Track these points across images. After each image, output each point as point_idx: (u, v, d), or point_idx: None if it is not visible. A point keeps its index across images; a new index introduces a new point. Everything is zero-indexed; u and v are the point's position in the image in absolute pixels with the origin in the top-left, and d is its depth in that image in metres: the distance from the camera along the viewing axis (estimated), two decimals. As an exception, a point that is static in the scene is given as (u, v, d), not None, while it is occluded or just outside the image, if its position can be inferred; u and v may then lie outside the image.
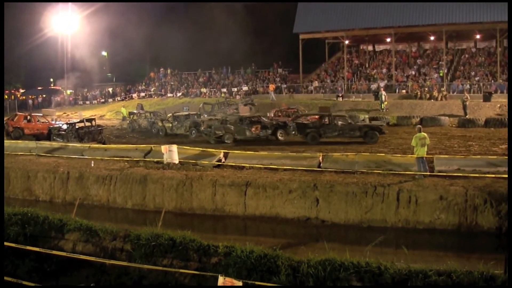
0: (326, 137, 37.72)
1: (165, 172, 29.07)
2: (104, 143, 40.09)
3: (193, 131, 45.17)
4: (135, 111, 58.17)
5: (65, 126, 43.90)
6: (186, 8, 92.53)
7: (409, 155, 28.75)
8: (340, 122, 37.95)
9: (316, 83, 72.25)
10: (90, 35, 79.59)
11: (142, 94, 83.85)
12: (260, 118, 43.14)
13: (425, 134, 26.02)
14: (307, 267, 15.48)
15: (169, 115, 50.64)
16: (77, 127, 42.80)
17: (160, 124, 48.98)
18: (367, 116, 47.31)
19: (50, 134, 43.89)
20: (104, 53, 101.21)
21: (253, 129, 40.34)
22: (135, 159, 32.71)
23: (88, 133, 42.08)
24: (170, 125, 47.72)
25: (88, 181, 30.21)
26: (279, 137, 40.54)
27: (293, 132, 39.38)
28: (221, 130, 41.30)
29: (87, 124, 43.68)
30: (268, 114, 48.36)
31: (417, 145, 25.49)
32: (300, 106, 53.26)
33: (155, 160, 31.71)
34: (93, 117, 52.78)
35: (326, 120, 38.38)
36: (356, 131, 37.16)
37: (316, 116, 40.88)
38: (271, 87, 69.40)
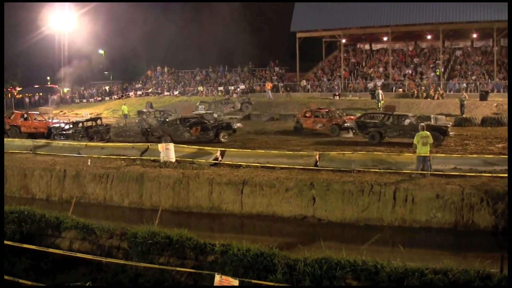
0: (387, 136, 37.02)
1: (162, 171, 29.04)
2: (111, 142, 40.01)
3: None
4: (144, 110, 56.91)
5: (67, 125, 43.80)
6: (183, 6, 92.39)
7: (406, 154, 28.88)
8: (402, 122, 37.02)
9: (303, 82, 72.66)
10: (87, 33, 79.67)
11: (139, 92, 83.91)
12: (202, 119, 42.62)
13: (428, 133, 26.10)
14: (304, 266, 15.48)
15: (172, 117, 46.11)
16: (85, 126, 42.59)
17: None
18: (432, 116, 46.01)
19: (50, 133, 43.80)
20: (101, 51, 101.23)
21: (193, 130, 39.90)
22: (132, 157, 32.73)
23: (97, 132, 41.91)
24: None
25: (85, 179, 30.14)
26: (222, 139, 39.67)
27: (354, 131, 39.13)
28: (158, 131, 41.15)
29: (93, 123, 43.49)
30: (297, 115, 47.24)
31: (419, 143, 25.55)
32: (331, 106, 51.21)
33: (152, 158, 31.70)
34: (99, 116, 52.23)
35: (389, 119, 37.56)
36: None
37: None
38: (268, 85, 69.41)
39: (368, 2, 68.21)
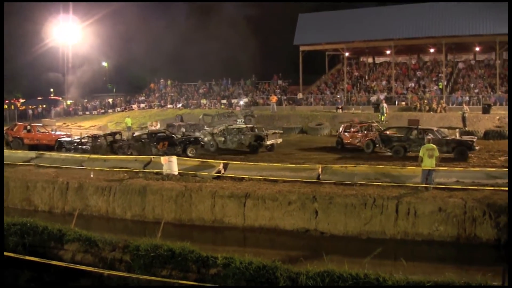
0: (412, 151, 35.95)
1: (165, 183, 29.04)
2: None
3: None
4: (174, 123, 54.82)
5: (82, 139, 43.53)
6: (187, 19, 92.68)
7: (409, 167, 28.87)
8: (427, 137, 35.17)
9: (300, 95, 72.81)
10: (90, 45, 79.94)
11: (142, 105, 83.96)
12: (170, 134, 42.49)
13: (434, 146, 26.04)
14: (306, 279, 15.51)
15: (220, 127, 44.63)
16: (108, 140, 42.02)
17: (208, 138, 43.15)
18: (457, 130, 45.79)
19: (61, 145, 43.48)
20: (105, 64, 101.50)
21: (160, 145, 39.56)
22: (134, 170, 32.76)
23: (121, 147, 41.05)
24: (223, 139, 42.69)
25: (88, 191, 30.19)
26: (189, 154, 39.30)
27: (378, 145, 38.06)
28: (125, 147, 40.61)
29: (110, 138, 42.79)
30: (340, 130, 44.68)
31: (425, 155, 25.50)
32: (374, 121, 49.41)
33: (155, 171, 31.70)
34: (118, 130, 51.56)
35: (414, 133, 36.85)
36: (444, 146, 34.77)
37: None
38: (273, 98, 69.34)
39: (372, 15, 68.61)
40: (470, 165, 31.71)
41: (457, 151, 34.48)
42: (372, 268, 15.90)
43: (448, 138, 36.45)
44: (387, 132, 38.55)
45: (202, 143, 41.82)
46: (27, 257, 18.51)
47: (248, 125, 45.11)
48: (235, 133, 42.50)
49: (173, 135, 41.74)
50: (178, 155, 35.92)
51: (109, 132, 47.86)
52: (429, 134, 34.73)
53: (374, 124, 44.40)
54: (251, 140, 41.09)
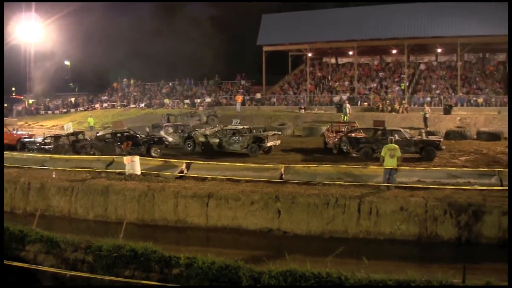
0: (380, 152, 33.47)
1: (127, 183, 28.93)
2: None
3: (189, 144, 42.01)
4: (160, 124, 51.29)
5: (44, 139, 42.96)
6: (150, 19, 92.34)
7: (371, 167, 29.09)
8: (395, 137, 34.59)
9: (258, 95, 73.10)
10: (53, 44, 79.17)
11: (105, 104, 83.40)
12: (134, 134, 41.75)
13: (396, 146, 26.36)
14: (269, 278, 15.59)
15: (215, 128, 42.74)
16: (71, 140, 41.11)
17: (201, 139, 40.91)
18: (422, 131, 46.13)
19: (24, 146, 43.05)
20: (67, 63, 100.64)
21: (124, 145, 39.06)
22: (97, 170, 32.55)
23: (83, 146, 40.22)
24: (218, 140, 40.18)
25: (50, 192, 29.95)
26: (153, 154, 38.76)
27: (345, 147, 36.66)
28: (88, 147, 39.84)
29: (72, 137, 41.85)
30: (325, 132, 43.51)
31: (386, 155, 25.84)
32: (355, 122, 47.41)
33: (117, 171, 31.52)
34: (82, 130, 50.64)
35: (380, 134, 35.99)
36: (412, 146, 34.94)
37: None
38: (239, 98, 69.38)
39: (335, 16, 68.99)
40: (432, 164, 32.03)
41: (425, 151, 34.63)
42: (335, 267, 16.01)
43: (415, 138, 36.57)
44: (353, 134, 37.97)
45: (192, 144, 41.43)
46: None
47: (245, 126, 43.15)
48: (232, 134, 40.66)
49: (137, 135, 41.25)
50: (142, 155, 35.93)
51: (72, 131, 47.32)
52: (395, 134, 34.92)
53: (356, 125, 43.55)
54: (250, 141, 38.97)
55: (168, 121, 54.75)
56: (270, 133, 41.11)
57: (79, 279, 17.83)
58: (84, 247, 19.10)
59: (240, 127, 43.06)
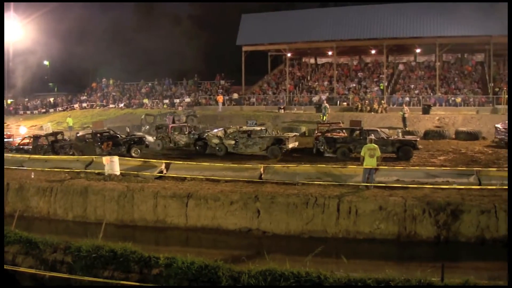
0: (357, 152, 34.72)
1: (107, 184, 28.84)
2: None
3: (199, 146, 41.30)
4: (165, 124, 49.18)
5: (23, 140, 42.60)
6: (130, 18, 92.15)
7: (350, 166, 29.19)
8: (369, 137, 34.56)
9: (235, 95, 73.18)
10: (31, 44, 78.66)
11: (84, 104, 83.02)
12: (114, 134, 41.57)
13: (375, 146, 26.50)
14: (248, 278, 15.62)
15: (230, 129, 40.73)
16: (50, 140, 40.90)
17: (215, 141, 39.71)
18: (399, 130, 46.07)
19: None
20: (46, 62, 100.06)
21: (104, 146, 38.95)
22: (76, 170, 32.42)
23: (62, 147, 40.21)
24: (233, 142, 39.02)
25: (28, 192, 29.78)
26: (133, 154, 38.65)
27: (323, 147, 36.60)
28: (67, 147, 39.76)
29: (52, 138, 41.57)
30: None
31: (366, 155, 25.95)
32: (340, 122, 47.01)
33: (96, 171, 31.41)
34: (61, 130, 50.08)
35: (358, 134, 36.22)
36: (389, 146, 35.11)
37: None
38: (220, 98, 69.32)
39: (314, 17, 69.07)
40: (410, 164, 32.22)
41: (402, 150, 34.82)
42: (314, 266, 16.06)
43: (392, 138, 36.76)
44: (330, 134, 37.79)
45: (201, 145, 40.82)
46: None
47: (262, 128, 41.62)
48: (247, 135, 39.12)
49: (118, 135, 41.05)
50: (122, 155, 35.96)
51: (51, 132, 46.99)
52: (372, 134, 34.99)
53: (341, 125, 43.63)
54: (269, 143, 37.87)
55: (174, 121, 52.83)
56: (291, 134, 40.38)
57: (58, 280, 17.76)
58: (63, 247, 19.04)
59: (258, 128, 41.57)
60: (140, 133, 45.55)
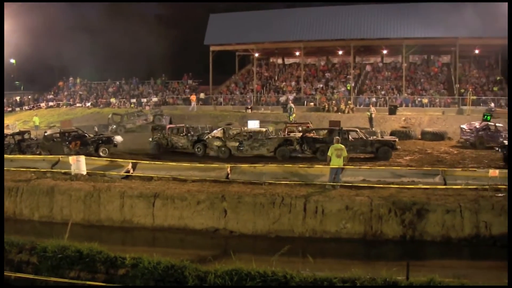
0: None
1: (73, 183, 28.60)
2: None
3: (199, 148, 39.38)
4: (161, 124, 48.27)
5: None
6: (97, 17, 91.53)
7: (316, 166, 29.31)
8: (351, 137, 36.15)
9: (202, 95, 73.21)
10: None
11: (51, 103, 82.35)
12: (82, 133, 40.71)
13: (342, 146, 26.74)
14: (214, 277, 15.62)
15: (233, 130, 39.68)
16: (16, 139, 40.03)
17: (217, 143, 38.42)
18: (378, 130, 46.29)
19: None
20: (12, 61, 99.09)
21: (72, 145, 38.62)
22: (42, 170, 32.13)
23: (29, 146, 39.49)
24: (237, 144, 37.92)
25: (-7, 192, 29.57)
26: (101, 154, 38.17)
27: (303, 147, 36.34)
28: (34, 146, 39.20)
29: (18, 137, 40.60)
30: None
31: (333, 155, 26.10)
32: (309, 122, 46.63)
33: (63, 171, 31.14)
34: (27, 129, 49.22)
35: (338, 134, 34.90)
36: (368, 146, 35.79)
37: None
38: (193, 97, 69.11)
39: (281, 17, 69.32)
40: (377, 164, 32.46)
41: (381, 151, 35.39)
42: (280, 265, 16.10)
43: (371, 138, 37.05)
44: (310, 134, 37.81)
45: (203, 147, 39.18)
46: None
47: (264, 128, 40.55)
48: (249, 137, 38.24)
49: (86, 134, 40.52)
50: (90, 155, 35.77)
51: (18, 131, 46.43)
52: (348, 134, 35.51)
53: (310, 125, 43.51)
54: (277, 144, 37.08)
55: (171, 122, 51.70)
56: (298, 134, 39.07)
57: (23, 280, 17.65)
58: (29, 248, 18.87)
59: (263, 129, 40.32)
60: (109, 133, 45.05)
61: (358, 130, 37.65)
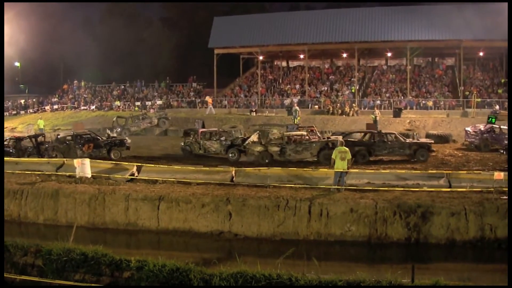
0: (375, 155, 36.08)
1: (78, 186, 28.58)
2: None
3: (233, 153, 38.21)
4: (194, 129, 45.64)
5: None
6: (102, 20, 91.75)
7: (321, 169, 29.29)
8: (390, 140, 36.32)
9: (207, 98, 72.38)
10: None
11: (56, 106, 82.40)
12: (94, 136, 40.54)
13: (346, 149, 26.68)
14: (219, 280, 15.63)
15: (273, 135, 37.87)
16: (36, 142, 39.35)
17: (259, 148, 36.76)
18: (416, 133, 46.68)
19: None
20: (17, 64, 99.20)
21: (85, 148, 38.52)
22: (47, 173, 32.13)
23: (47, 148, 38.73)
24: (278, 149, 36.29)
25: (-2, 195, 29.57)
26: (113, 156, 38.34)
27: None
28: (50, 149, 38.62)
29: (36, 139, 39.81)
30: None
31: (337, 158, 26.03)
32: (313, 126, 45.17)
33: (68, 174, 31.15)
34: (42, 132, 48.67)
35: (375, 137, 36.48)
36: (406, 149, 35.85)
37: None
38: (210, 100, 69.02)
39: (286, 20, 69.36)
40: (381, 167, 32.43)
41: (419, 152, 35.53)
42: (285, 268, 16.11)
43: (409, 141, 37.22)
44: (347, 138, 36.99)
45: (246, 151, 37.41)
46: None
47: (303, 132, 38.68)
48: (287, 141, 36.70)
49: (98, 137, 40.52)
50: (103, 158, 36.05)
51: (33, 134, 46.17)
52: (378, 138, 36.08)
53: (314, 128, 42.57)
54: (320, 147, 35.80)
55: (203, 126, 49.59)
56: (340, 137, 37.20)
57: (28, 283, 17.66)
58: (34, 251, 18.89)
59: (304, 132, 38.68)
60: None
61: (396, 133, 37.78)
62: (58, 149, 38.50)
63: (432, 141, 38.25)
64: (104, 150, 38.90)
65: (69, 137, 40.19)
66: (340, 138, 35.62)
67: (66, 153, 37.94)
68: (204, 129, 43.54)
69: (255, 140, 37.49)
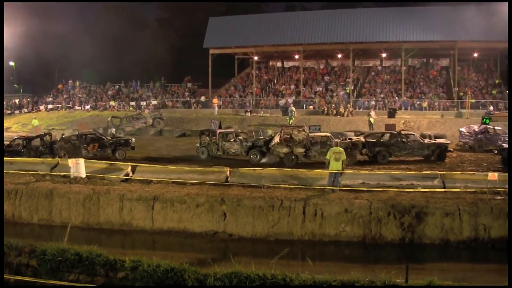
0: (395, 156, 36.16)
1: (72, 186, 28.52)
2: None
3: (255, 155, 37.23)
4: (211, 129, 42.94)
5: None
6: (96, 20, 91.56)
7: (315, 170, 29.30)
8: (409, 141, 36.44)
9: (203, 98, 72.99)
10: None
11: (50, 106, 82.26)
12: (99, 135, 41.03)
13: (341, 149, 26.65)
14: (214, 280, 15.64)
15: (299, 136, 37.05)
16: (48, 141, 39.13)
17: (284, 150, 36.13)
18: (432, 133, 46.48)
19: None
20: (12, 63, 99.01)
21: (90, 147, 38.81)
22: (41, 172, 32.08)
23: (59, 148, 38.47)
24: (302, 150, 35.76)
25: (-8, 195, 29.51)
26: (118, 156, 38.53)
27: (365, 151, 35.90)
28: (60, 149, 38.38)
29: (48, 138, 39.54)
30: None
31: (331, 158, 26.00)
32: (303, 126, 42.15)
33: (62, 174, 31.10)
34: (49, 132, 48.21)
35: (396, 138, 36.54)
36: (425, 149, 36.05)
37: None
38: (215, 101, 69.01)
39: (281, 20, 69.48)
40: (376, 167, 32.46)
41: (437, 153, 35.84)
42: (280, 268, 16.14)
43: (428, 141, 37.27)
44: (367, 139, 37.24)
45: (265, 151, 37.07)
46: None
47: (327, 133, 38.33)
48: (311, 142, 36.20)
49: (103, 137, 40.78)
50: (107, 158, 36.12)
51: (42, 133, 45.89)
52: (397, 138, 36.40)
53: (304, 128, 40.03)
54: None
55: (220, 126, 46.14)
56: (361, 137, 37.84)
57: (23, 283, 17.65)
58: (28, 251, 18.86)
59: (328, 134, 38.24)
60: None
61: (415, 134, 38.06)
62: (64, 149, 38.62)
63: (450, 142, 38.62)
64: (109, 150, 39.15)
65: (74, 137, 40.44)
66: (361, 138, 36.04)
67: (70, 153, 38.02)
68: (221, 130, 42.19)
69: (277, 141, 36.91)
